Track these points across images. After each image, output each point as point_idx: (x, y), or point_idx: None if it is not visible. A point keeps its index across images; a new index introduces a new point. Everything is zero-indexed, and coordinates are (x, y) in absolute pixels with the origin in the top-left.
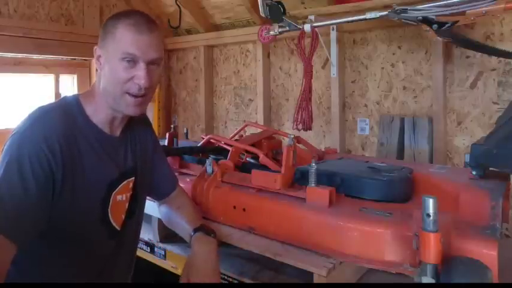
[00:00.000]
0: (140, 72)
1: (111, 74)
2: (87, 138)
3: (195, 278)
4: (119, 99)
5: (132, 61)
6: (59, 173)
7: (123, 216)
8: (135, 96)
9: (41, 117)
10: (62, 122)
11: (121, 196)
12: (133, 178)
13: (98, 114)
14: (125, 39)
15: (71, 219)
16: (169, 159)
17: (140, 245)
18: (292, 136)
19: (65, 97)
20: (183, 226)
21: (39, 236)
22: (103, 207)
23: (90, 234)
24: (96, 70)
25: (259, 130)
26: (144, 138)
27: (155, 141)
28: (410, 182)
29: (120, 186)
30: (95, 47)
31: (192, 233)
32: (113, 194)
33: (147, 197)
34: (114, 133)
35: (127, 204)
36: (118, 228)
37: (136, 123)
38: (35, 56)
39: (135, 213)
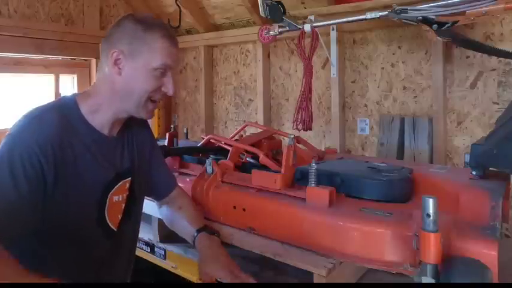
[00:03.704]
0: (169, 83)
1: (139, 81)
2: (83, 139)
3: (214, 271)
4: (142, 105)
5: (164, 71)
6: (51, 175)
7: (120, 217)
8: (156, 102)
9: (35, 119)
10: (56, 123)
11: (117, 197)
12: (130, 178)
13: (98, 115)
14: (163, 51)
15: (67, 220)
16: (169, 159)
17: (140, 245)
18: (292, 136)
19: (62, 97)
20: (186, 227)
21: (36, 237)
22: (99, 208)
23: (87, 234)
24: (102, 70)
25: (259, 130)
26: (142, 138)
27: (152, 140)
28: (410, 182)
29: (116, 187)
30: (113, 51)
31: (195, 234)
32: (109, 194)
33: (147, 197)
34: (112, 134)
35: (123, 205)
36: (114, 228)
37: (133, 123)
38: (35, 56)
39: (132, 214)
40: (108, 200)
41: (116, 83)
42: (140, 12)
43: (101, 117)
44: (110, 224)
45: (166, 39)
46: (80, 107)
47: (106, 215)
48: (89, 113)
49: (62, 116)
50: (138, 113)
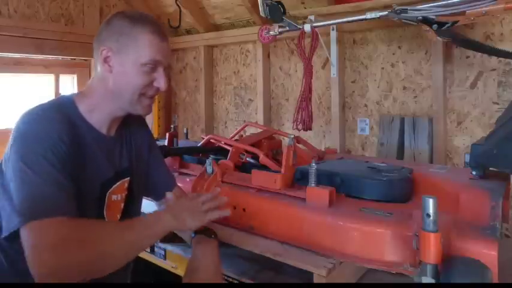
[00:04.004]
0: (161, 78)
1: (129, 78)
2: (83, 137)
3: (196, 278)
4: (135, 102)
5: (154, 67)
6: (70, 159)
7: (119, 216)
8: (151, 97)
9: (44, 115)
10: (60, 120)
11: (116, 196)
12: (129, 178)
13: (95, 114)
14: (152, 46)
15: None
16: (169, 159)
17: None
18: (292, 136)
19: (60, 97)
20: None
21: None
22: (99, 206)
23: None
24: (96, 69)
25: (259, 130)
26: (140, 138)
27: (151, 140)
28: (410, 182)
29: (114, 186)
30: (102, 48)
31: (193, 235)
32: (108, 193)
33: (147, 197)
34: (110, 133)
35: (122, 204)
36: None
37: (131, 123)
38: (35, 56)
39: (131, 214)
40: (107, 199)
41: (108, 81)
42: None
43: (98, 116)
44: None
45: (154, 35)
46: (78, 106)
47: (105, 213)
48: (87, 112)
49: (63, 114)
50: (134, 109)
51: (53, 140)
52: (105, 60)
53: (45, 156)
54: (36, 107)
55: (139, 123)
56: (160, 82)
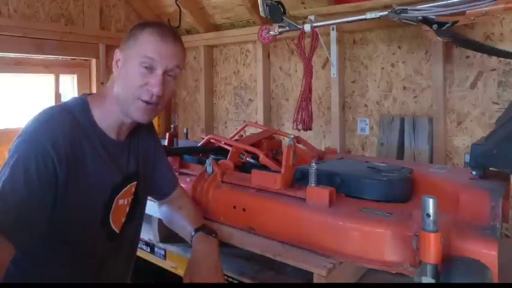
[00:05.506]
0: (155, 80)
1: (127, 78)
2: (92, 142)
3: (197, 277)
4: (130, 104)
5: (149, 68)
6: (63, 174)
7: (123, 220)
8: (147, 102)
9: (49, 120)
10: (68, 125)
11: (123, 200)
12: (136, 182)
13: (106, 118)
14: (148, 44)
15: (73, 220)
16: (169, 159)
17: (140, 245)
18: (292, 136)
19: (73, 99)
20: (184, 226)
21: (40, 236)
22: (105, 210)
23: (90, 235)
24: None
25: (259, 130)
26: (147, 143)
27: (157, 143)
28: (410, 182)
29: (123, 191)
30: (116, 50)
31: (193, 233)
32: (116, 198)
33: (148, 197)
34: (120, 138)
35: (128, 208)
36: (117, 231)
37: (140, 128)
38: (35, 56)
39: (135, 217)
40: (114, 203)
41: (115, 82)
42: (140, 12)
43: (108, 120)
44: (113, 227)
45: (155, 35)
46: (91, 108)
47: (110, 217)
48: (98, 115)
49: (73, 118)
50: (129, 112)
51: (46, 152)
52: (116, 62)
53: (26, 169)
54: (49, 108)
55: (148, 129)
56: (153, 85)
